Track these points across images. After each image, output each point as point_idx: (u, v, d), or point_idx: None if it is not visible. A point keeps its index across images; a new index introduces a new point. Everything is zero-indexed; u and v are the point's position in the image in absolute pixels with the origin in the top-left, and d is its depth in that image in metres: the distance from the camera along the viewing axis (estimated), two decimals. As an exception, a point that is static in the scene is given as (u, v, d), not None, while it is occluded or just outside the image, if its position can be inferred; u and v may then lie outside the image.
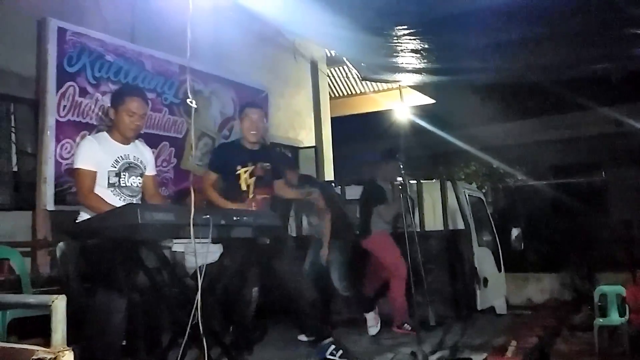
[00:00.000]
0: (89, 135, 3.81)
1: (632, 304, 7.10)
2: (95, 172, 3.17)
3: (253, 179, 4.01)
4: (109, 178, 3.22)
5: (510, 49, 5.41)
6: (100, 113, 4.60)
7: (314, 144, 8.31)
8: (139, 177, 3.37)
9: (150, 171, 3.50)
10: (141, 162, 3.40)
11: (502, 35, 5.04)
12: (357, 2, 4.37)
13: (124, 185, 3.27)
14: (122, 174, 3.27)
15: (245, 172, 3.99)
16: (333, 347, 3.88)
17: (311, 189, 4.60)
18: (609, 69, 6.65)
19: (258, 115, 4.08)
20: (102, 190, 3.19)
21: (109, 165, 3.23)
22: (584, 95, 10.32)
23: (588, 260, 10.90)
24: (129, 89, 3.70)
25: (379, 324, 5.04)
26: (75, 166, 3.19)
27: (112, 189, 3.23)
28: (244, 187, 3.99)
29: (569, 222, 11.78)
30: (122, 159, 3.29)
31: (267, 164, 4.09)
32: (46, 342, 2.08)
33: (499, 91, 10.84)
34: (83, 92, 4.54)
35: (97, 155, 3.19)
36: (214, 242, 3.28)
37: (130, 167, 3.32)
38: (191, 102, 2.87)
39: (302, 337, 4.51)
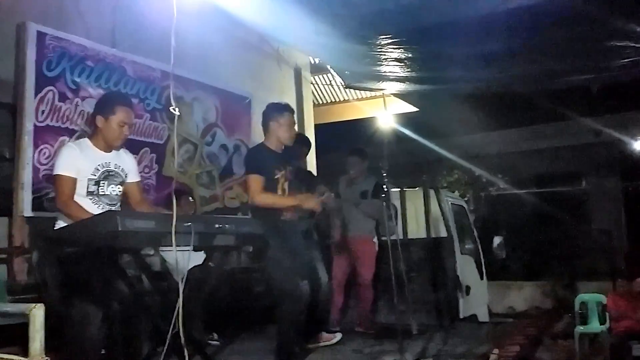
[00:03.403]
0: (70, 141, 3.75)
1: (612, 312, 7.16)
2: (76, 179, 3.12)
3: (287, 183, 3.97)
4: (88, 186, 3.16)
5: (493, 59, 5.46)
6: (81, 119, 4.54)
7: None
8: (119, 186, 3.32)
9: (134, 178, 3.45)
10: (122, 169, 3.35)
11: (485, 46, 5.08)
12: (341, 10, 4.37)
13: (103, 194, 3.22)
14: (101, 182, 3.22)
15: (282, 176, 3.95)
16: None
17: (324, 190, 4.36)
18: (590, 80, 6.75)
19: (292, 119, 4.14)
20: (80, 198, 3.14)
21: (89, 174, 3.17)
22: (565, 106, 10.45)
23: (569, 268, 11.02)
24: (119, 98, 3.59)
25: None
26: (56, 172, 3.13)
27: (91, 197, 3.18)
28: (280, 193, 3.93)
29: (550, 230, 11.90)
30: (103, 167, 3.24)
31: (290, 166, 4.07)
32: (24, 351, 2.04)
33: (482, 101, 10.91)
34: (62, 97, 4.47)
35: (77, 162, 3.14)
36: (196, 250, 3.24)
37: (110, 176, 3.27)
38: (174, 110, 2.84)
39: None
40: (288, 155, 4.14)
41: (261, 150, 4.12)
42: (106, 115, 3.24)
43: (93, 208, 3.15)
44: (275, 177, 3.91)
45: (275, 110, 4.15)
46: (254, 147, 4.45)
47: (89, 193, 3.17)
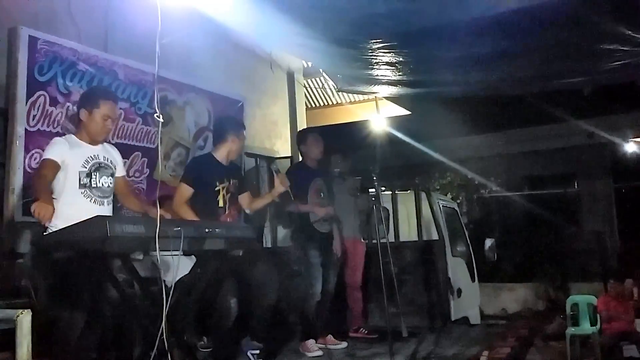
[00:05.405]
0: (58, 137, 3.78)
1: (603, 313, 7.21)
2: (59, 165, 3.16)
3: (228, 195, 4.05)
4: (80, 179, 3.22)
5: (484, 62, 5.48)
6: (72, 124, 4.53)
7: (289, 155, 8.30)
8: (110, 177, 3.38)
9: (120, 172, 3.52)
10: (111, 162, 3.41)
11: (476, 49, 5.11)
12: (331, 15, 4.38)
13: (95, 186, 3.27)
14: (92, 174, 3.27)
15: (223, 188, 4.03)
16: (257, 351, 3.92)
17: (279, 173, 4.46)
18: (581, 83, 6.79)
19: (243, 137, 4.33)
20: (73, 191, 3.19)
21: (80, 166, 3.23)
22: (557, 108, 10.49)
23: (561, 270, 11.07)
24: (103, 92, 3.65)
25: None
26: (42, 157, 3.22)
27: (83, 190, 3.22)
28: (221, 204, 4.01)
29: (542, 233, 11.96)
30: (92, 159, 3.30)
31: (236, 180, 4.18)
32: (11, 356, 2.04)
33: (474, 103, 10.93)
34: (54, 102, 4.46)
35: (66, 154, 3.19)
36: (186, 254, 3.25)
37: (100, 167, 3.32)
38: (158, 117, 2.86)
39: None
40: (233, 168, 4.29)
41: (206, 161, 4.25)
42: (90, 109, 3.29)
43: (86, 201, 3.21)
44: (216, 188, 4.00)
45: (236, 125, 4.38)
46: (200, 157, 4.70)
47: (82, 185, 3.22)
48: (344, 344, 4.88)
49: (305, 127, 8.72)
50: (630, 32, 4.57)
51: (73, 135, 3.36)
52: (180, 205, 3.91)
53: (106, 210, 3.36)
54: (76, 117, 3.40)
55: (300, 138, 5.34)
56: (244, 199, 4.27)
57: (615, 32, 4.64)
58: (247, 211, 4.42)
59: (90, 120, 3.28)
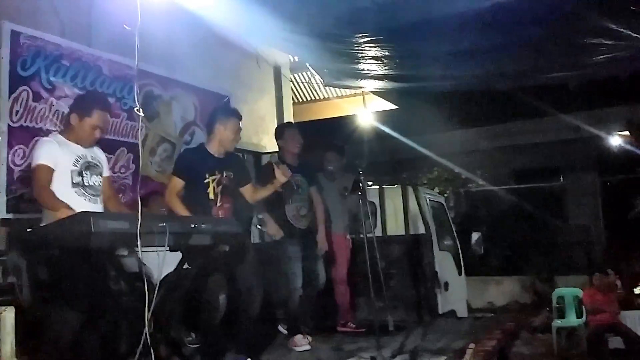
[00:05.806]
0: (45, 137, 3.75)
1: (588, 306, 7.30)
2: (53, 169, 3.15)
3: (220, 187, 3.99)
4: (72, 178, 3.22)
5: (471, 56, 5.49)
6: (56, 118, 4.49)
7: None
8: (99, 176, 3.39)
9: (106, 172, 3.52)
10: (99, 161, 3.42)
11: (462, 44, 5.11)
12: (316, 9, 4.37)
13: (87, 184, 3.28)
14: (84, 172, 3.28)
15: (214, 180, 3.97)
16: None
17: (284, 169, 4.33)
18: (568, 77, 6.83)
19: (238, 125, 4.13)
20: (67, 190, 3.18)
21: (71, 165, 3.23)
22: (544, 102, 10.57)
23: (547, 263, 11.18)
24: (99, 100, 3.55)
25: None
26: (35, 163, 3.16)
27: (76, 188, 3.23)
28: (211, 196, 3.96)
29: (528, 226, 12.06)
30: (82, 158, 3.30)
31: (231, 172, 4.09)
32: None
33: (461, 98, 10.99)
34: (37, 97, 4.42)
35: (56, 154, 3.18)
36: (172, 250, 3.24)
37: (90, 166, 3.33)
38: (138, 110, 2.85)
39: None
40: (229, 160, 4.15)
41: (196, 153, 4.19)
42: (82, 116, 3.28)
43: (79, 200, 3.20)
44: (205, 180, 3.93)
45: (223, 113, 4.22)
46: (191, 149, 4.62)
47: (75, 184, 3.22)
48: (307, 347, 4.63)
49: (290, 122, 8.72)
50: (614, 26, 4.60)
51: (60, 135, 3.34)
52: (171, 198, 3.90)
53: (99, 208, 3.36)
54: (66, 117, 3.37)
55: (278, 132, 5.26)
56: (246, 190, 4.22)
57: (600, 27, 4.66)
58: (250, 202, 4.34)
59: (80, 126, 3.28)
